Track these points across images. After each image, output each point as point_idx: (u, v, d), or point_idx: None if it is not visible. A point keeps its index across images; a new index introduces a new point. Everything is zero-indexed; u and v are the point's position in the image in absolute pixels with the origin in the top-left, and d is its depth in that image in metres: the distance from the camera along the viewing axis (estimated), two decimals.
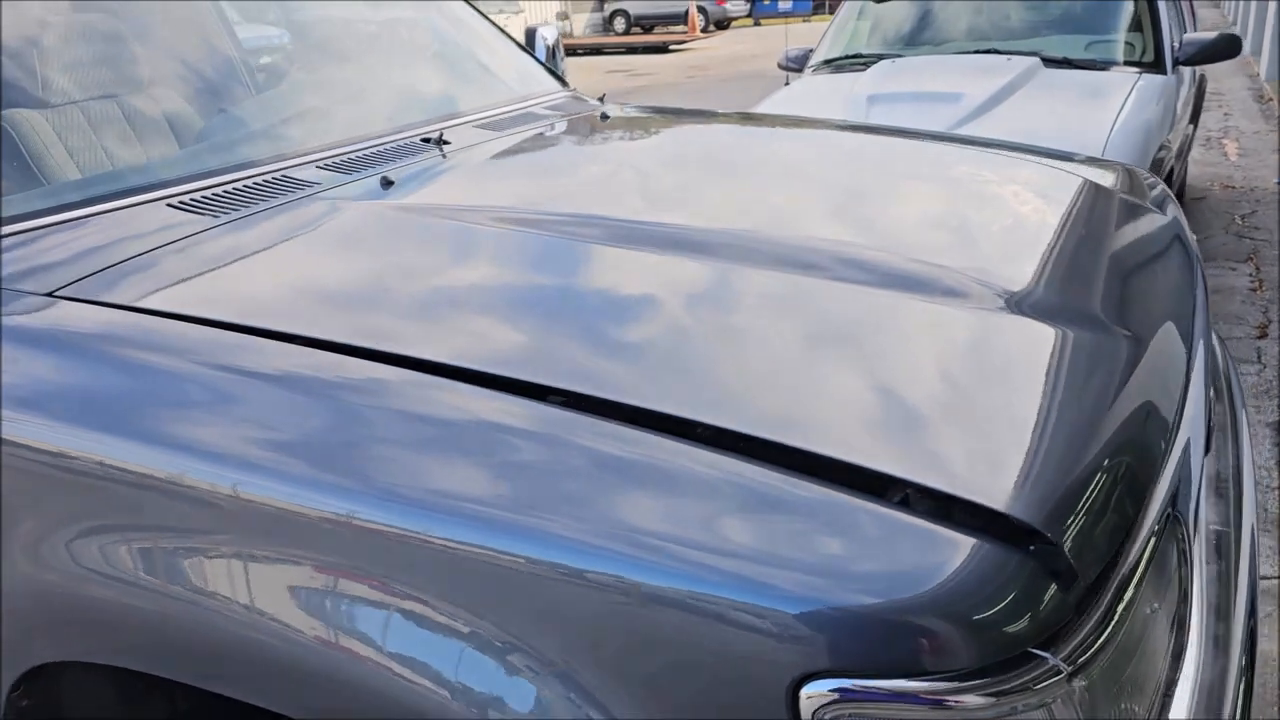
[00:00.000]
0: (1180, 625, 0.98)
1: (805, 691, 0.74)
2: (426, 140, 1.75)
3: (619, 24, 28.28)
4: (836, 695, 0.74)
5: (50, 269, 1.16)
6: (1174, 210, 1.78)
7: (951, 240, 1.41)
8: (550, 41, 2.64)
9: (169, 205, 1.37)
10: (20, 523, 0.99)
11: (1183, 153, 5.29)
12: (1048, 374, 1.03)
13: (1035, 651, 0.77)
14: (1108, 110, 3.90)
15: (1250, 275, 4.95)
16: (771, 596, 0.75)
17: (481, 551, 0.82)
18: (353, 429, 0.93)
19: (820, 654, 0.74)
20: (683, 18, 25.77)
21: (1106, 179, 1.77)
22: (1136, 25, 4.66)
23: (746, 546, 0.79)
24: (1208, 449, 1.37)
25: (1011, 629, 0.77)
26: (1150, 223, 1.61)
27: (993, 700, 0.75)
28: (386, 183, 1.54)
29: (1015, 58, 4.49)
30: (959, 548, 0.79)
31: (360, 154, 1.65)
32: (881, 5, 5.27)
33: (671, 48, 22.63)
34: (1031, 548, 0.80)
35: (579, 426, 0.90)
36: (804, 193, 1.64)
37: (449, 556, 0.83)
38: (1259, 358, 4.04)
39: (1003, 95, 4.11)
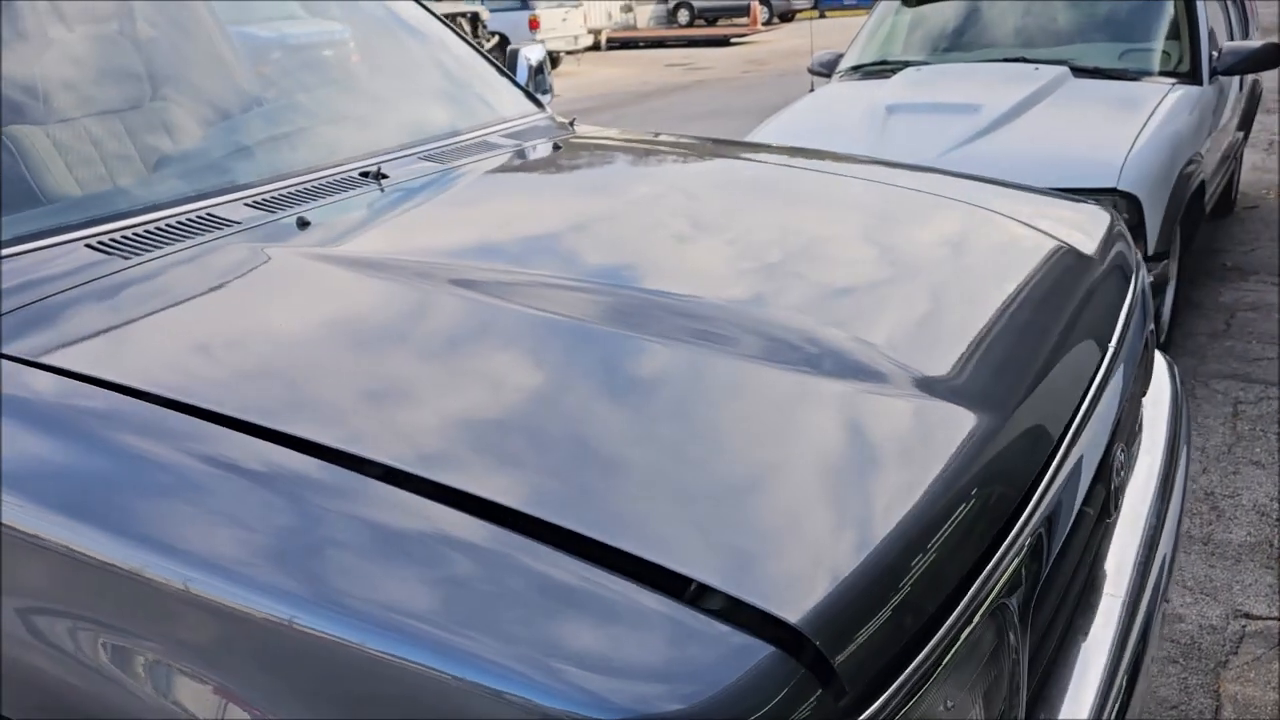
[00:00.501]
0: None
1: None
2: (365, 174, 1.74)
3: (682, 16, 28.23)
4: None
5: None
6: (1119, 248, 1.72)
7: (852, 307, 1.37)
8: (534, 62, 2.63)
9: (87, 246, 1.39)
10: None
11: (1227, 162, 5.11)
12: (890, 469, 1.00)
13: None
14: (1132, 124, 3.79)
15: None
16: (554, 697, 0.75)
17: None
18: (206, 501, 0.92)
19: None
20: (746, 10, 25.62)
21: (1054, 223, 1.71)
22: (1175, 33, 4.51)
23: (524, 640, 0.78)
24: (1107, 513, 1.34)
25: None
26: (1085, 279, 1.55)
27: None
28: (303, 223, 1.52)
29: (1044, 67, 4.38)
30: (731, 650, 0.77)
31: (292, 190, 1.63)
32: (913, 10, 5.18)
33: (733, 41, 22.54)
34: (804, 651, 0.79)
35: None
36: (736, 247, 1.57)
37: None
38: None
39: (1024, 106, 4.02)
